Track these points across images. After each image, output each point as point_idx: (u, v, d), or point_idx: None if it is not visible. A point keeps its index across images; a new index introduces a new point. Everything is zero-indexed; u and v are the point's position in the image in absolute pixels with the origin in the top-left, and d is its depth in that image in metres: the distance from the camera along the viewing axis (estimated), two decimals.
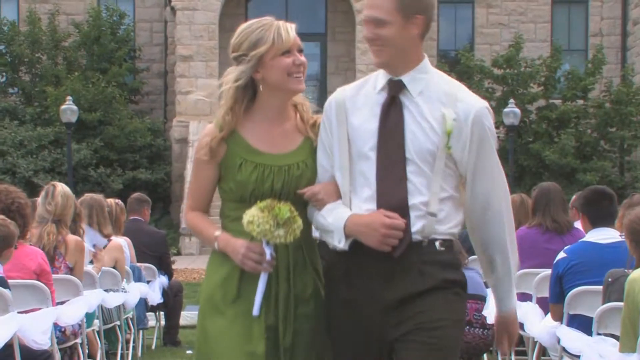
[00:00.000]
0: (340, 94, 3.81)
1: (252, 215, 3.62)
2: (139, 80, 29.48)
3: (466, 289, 3.75)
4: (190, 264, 20.32)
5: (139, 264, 9.44)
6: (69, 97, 24.27)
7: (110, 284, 8.27)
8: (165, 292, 10.08)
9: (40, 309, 6.29)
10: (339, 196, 3.72)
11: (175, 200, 27.25)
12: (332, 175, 3.77)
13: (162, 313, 10.47)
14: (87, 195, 8.75)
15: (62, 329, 6.82)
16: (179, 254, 22.90)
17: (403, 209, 3.56)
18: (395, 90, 3.65)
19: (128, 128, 26.95)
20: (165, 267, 10.25)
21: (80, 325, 7.06)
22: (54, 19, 28.63)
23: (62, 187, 7.26)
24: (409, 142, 3.59)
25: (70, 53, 28.49)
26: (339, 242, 3.63)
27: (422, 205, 3.58)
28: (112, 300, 8.14)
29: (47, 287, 6.31)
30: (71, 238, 7.13)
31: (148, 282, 9.69)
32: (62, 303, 6.79)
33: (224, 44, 27.66)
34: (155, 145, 27.74)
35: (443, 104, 3.61)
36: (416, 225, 3.57)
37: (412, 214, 3.56)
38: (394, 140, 3.60)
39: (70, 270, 7.09)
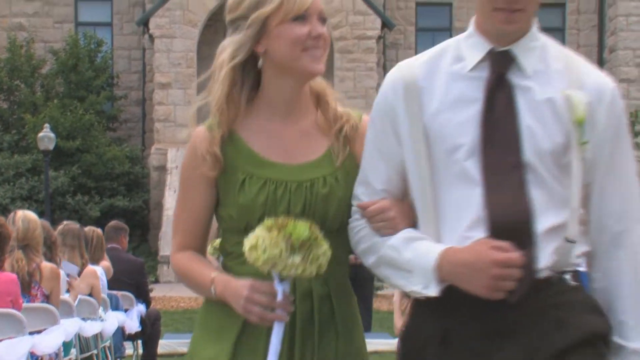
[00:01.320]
0: (406, 71, 2.63)
1: (257, 237, 2.55)
2: (117, 107, 29.44)
3: (609, 344, 2.57)
4: (169, 292, 20.24)
5: (116, 292, 9.39)
6: (47, 125, 24.21)
7: (88, 313, 8.22)
8: (143, 321, 10.04)
9: (15, 337, 6.24)
10: (413, 220, 2.62)
11: (153, 227, 27.17)
12: (389, 193, 2.66)
13: (139, 341, 10.42)
14: (62, 224, 8.73)
15: (39, 358, 6.76)
16: (157, 281, 22.80)
17: (526, 236, 2.45)
18: (501, 66, 2.54)
19: (106, 156, 26.88)
20: (143, 295, 10.21)
21: (57, 354, 7.00)
22: (29, 47, 28.57)
23: (22, 212, 7.23)
24: (527, 140, 2.49)
25: (48, 81, 28.45)
26: (426, 288, 2.51)
27: (556, 228, 2.48)
28: (90, 328, 8.09)
29: (23, 316, 6.26)
30: (46, 265, 7.09)
31: (126, 310, 9.64)
32: (38, 332, 6.74)
33: (202, 72, 27.58)
34: (133, 172, 27.68)
35: (567, 82, 2.54)
36: (546, 257, 2.47)
37: (542, 242, 2.47)
38: (505, 138, 2.50)
39: (47, 298, 7.05)
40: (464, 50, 2.59)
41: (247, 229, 2.66)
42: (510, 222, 2.46)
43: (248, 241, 2.57)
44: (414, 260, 2.53)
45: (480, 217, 2.48)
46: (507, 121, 2.50)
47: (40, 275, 7.04)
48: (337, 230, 2.74)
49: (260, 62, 2.80)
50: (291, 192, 2.73)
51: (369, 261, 2.67)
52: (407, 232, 2.59)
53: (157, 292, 17.65)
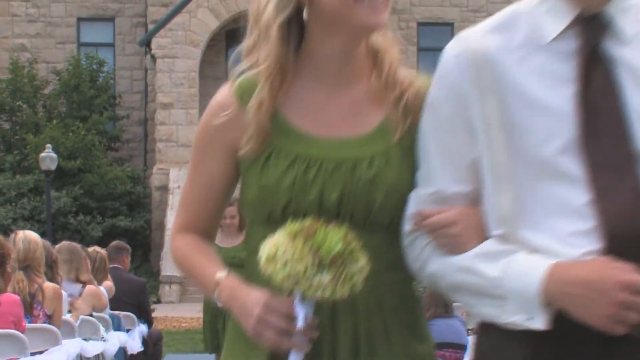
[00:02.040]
0: (473, 43, 2.05)
1: (276, 245, 2.01)
2: (119, 127, 29.47)
3: None
4: (170, 312, 20.21)
5: (118, 312, 9.38)
6: (48, 145, 24.23)
7: (89, 333, 8.21)
8: (145, 341, 10.02)
9: (17, 359, 6.23)
10: (484, 236, 2.01)
11: (155, 248, 27.14)
12: (461, 197, 2.06)
13: None
14: (62, 243, 8.73)
15: None
16: (158, 302, 22.75)
17: None
18: (595, 34, 1.98)
19: (108, 176, 26.89)
20: (144, 316, 10.20)
21: None
22: (32, 68, 28.64)
23: (23, 233, 7.23)
24: (638, 125, 1.92)
25: (51, 101, 28.50)
26: (530, 320, 1.89)
27: None
28: (92, 349, 8.08)
29: (24, 336, 6.25)
30: (48, 285, 7.09)
31: (127, 330, 9.62)
32: (40, 352, 6.73)
33: (204, 92, 27.73)
34: (135, 192, 27.67)
35: None
36: None
37: None
38: (610, 126, 1.92)
39: (49, 318, 7.04)
40: (541, 17, 2.00)
41: (271, 219, 2.16)
42: (633, 235, 1.85)
43: (265, 249, 2.03)
44: (506, 282, 1.91)
45: (585, 227, 1.88)
46: (610, 104, 1.92)
47: (42, 296, 7.04)
48: (387, 226, 2.16)
49: (304, 15, 2.22)
50: (326, 175, 2.14)
51: (441, 285, 2.09)
52: (488, 246, 1.97)
53: (158, 312, 17.63)
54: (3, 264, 6.43)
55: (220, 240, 8.28)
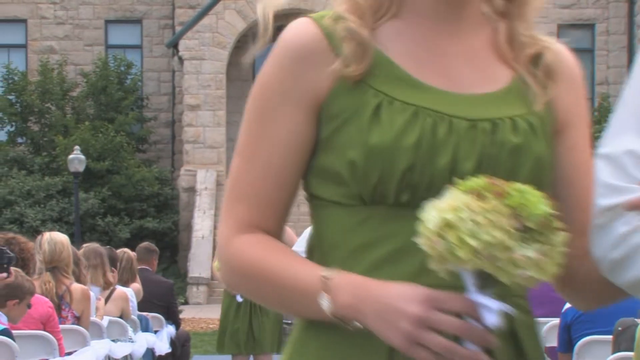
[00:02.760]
0: None
1: (455, 208, 1.43)
2: (146, 129, 29.57)
3: None
4: (198, 313, 20.25)
5: (146, 314, 9.41)
6: (77, 147, 24.34)
7: (118, 334, 8.24)
8: (172, 342, 10.05)
9: (47, 359, 6.26)
10: None
11: (182, 249, 27.21)
12: None
13: None
14: (89, 245, 8.76)
15: None
16: (186, 303, 22.81)
17: None
18: None
19: (135, 177, 27.00)
20: (172, 317, 10.22)
21: None
22: (62, 69, 28.79)
23: (49, 234, 7.26)
24: None
25: (79, 103, 28.64)
26: None
27: None
28: (120, 350, 8.11)
29: (53, 337, 6.28)
30: (77, 287, 7.12)
31: (155, 331, 9.65)
32: (69, 354, 6.76)
33: (231, 93, 27.81)
34: (162, 194, 27.75)
35: None
36: None
37: None
38: None
39: (77, 320, 7.07)
40: None
41: (375, 197, 1.60)
42: None
43: (436, 215, 1.44)
44: None
45: None
46: None
47: (70, 297, 7.07)
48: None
49: None
50: (459, 135, 1.61)
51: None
52: None
53: (186, 313, 17.67)
54: (25, 266, 6.47)
55: None
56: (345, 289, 1.53)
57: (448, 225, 1.42)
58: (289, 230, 8.27)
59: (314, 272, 1.58)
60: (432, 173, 1.59)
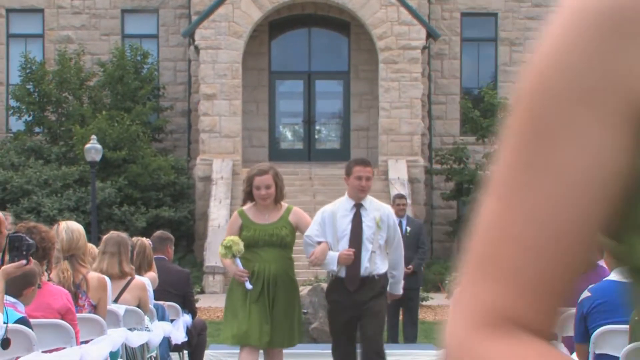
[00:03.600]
0: None
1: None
2: (162, 118, 29.62)
3: None
4: (214, 302, 20.29)
5: (162, 303, 9.44)
6: (93, 136, 24.40)
7: (134, 323, 8.26)
8: (189, 331, 10.07)
9: (64, 348, 6.29)
10: None
11: (198, 238, 27.27)
12: None
13: (185, 352, 10.44)
14: (111, 233, 8.75)
15: None
16: (202, 292, 22.87)
17: None
18: None
19: (152, 166, 27.06)
20: (188, 306, 10.24)
21: None
22: (79, 59, 28.85)
23: (65, 223, 7.29)
24: None
25: (96, 92, 28.70)
26: None
27: None
28: (136, 339, 8.13)
29: (71, 327, 6.31)
30: (93, 275, 7.15)
31: (172, 320, 9.68)
32: (86, 342, 6.79)
33: (247, 83, 27.81)
34: (178, 183, 27.82)
35: None
36: None
37: None
38: None
39: (94, 309, 7.10)
40: None
41: None
42: None
43: None
44: None
45: None
46: None
47: (87, 285, 7.09)
48: None
49: None
50: None
51: None
52: None
53: (202, 302, 17.70)
54: (47, 255, 6.49)
55: (254, 214, 7.96)
56: None
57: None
58: (301, 213, 8.10)
59: None
60: None
